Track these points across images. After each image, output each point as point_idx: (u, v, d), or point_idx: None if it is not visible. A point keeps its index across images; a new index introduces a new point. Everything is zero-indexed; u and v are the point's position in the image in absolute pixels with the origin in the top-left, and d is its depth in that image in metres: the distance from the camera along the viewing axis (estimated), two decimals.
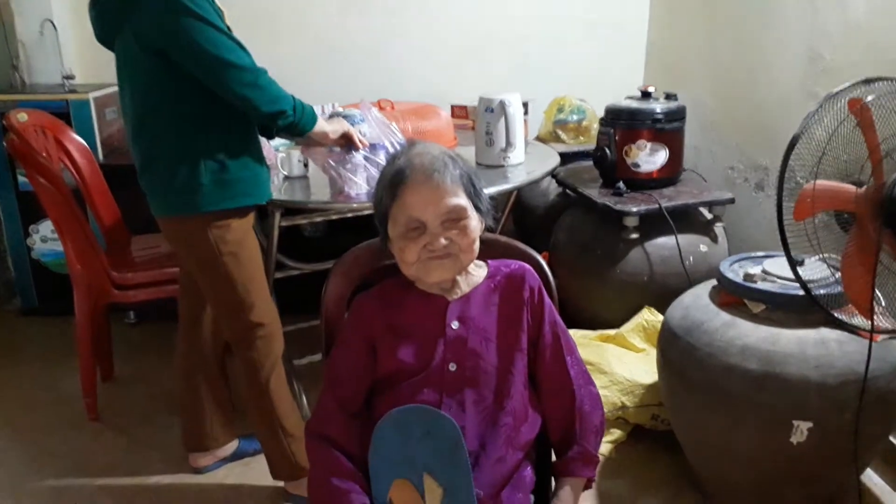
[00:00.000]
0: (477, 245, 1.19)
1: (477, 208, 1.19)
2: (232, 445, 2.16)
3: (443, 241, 1.15)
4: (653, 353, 2.26)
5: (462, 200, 1.16)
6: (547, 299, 1.27)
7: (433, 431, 1.05)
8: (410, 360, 1.18)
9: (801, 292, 1.67)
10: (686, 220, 2.46)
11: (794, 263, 1.42)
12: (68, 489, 2.08)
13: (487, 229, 1.23)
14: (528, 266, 1.29)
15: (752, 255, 1.95)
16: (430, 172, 1.14)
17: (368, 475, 1.12)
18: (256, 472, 2.10)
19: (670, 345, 1.85)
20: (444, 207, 1.14)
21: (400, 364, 1.18)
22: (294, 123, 1.71)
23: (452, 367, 1.18)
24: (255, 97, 1.61)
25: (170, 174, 1.67)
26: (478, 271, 1.27)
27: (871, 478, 1.95)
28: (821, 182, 1.39)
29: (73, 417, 2.43)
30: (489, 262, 1.29)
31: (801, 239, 1.58)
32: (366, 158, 1.99)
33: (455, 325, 1.20)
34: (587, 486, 1.22)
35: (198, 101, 1.64)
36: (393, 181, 1.16)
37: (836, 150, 1.44)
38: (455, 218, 1.15)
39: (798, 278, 1.44)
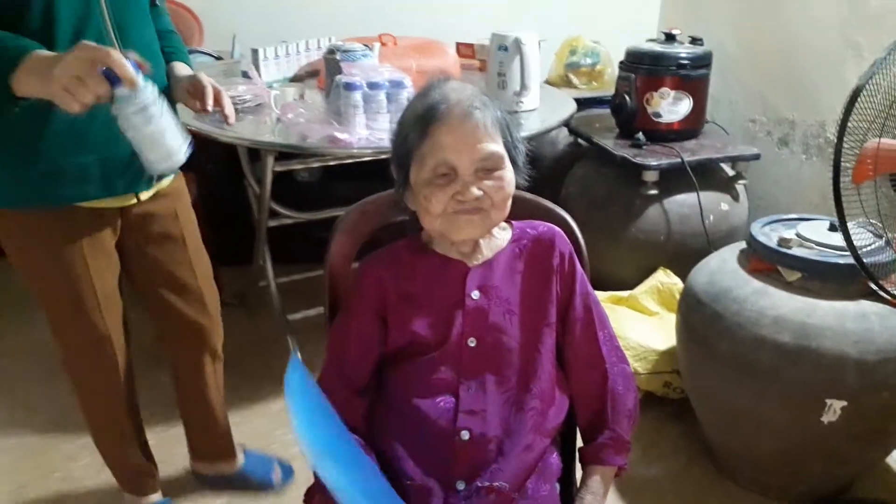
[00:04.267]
0: (509, 203, 1.04)
1: (513, 161, 1.04)
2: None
3: (476, 191, 0.99)
4: (667, 317, 2.15)
5: (500, 148, 1.01)
6: (578, 267, 1.13)
7: None
8: (425, 334, 1.04)
9: (841, 260, 1.54)
10: (707, 176, 2.31)
11: (847, 232, 1.29)
12: (48, 448, 1.96)
13: (519, 187, 1.07)
14: (557, 229, 1.14)
15: (785, 217, 1.81)
16: (470, 110, 0.99)
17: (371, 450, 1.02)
18: None
19: (694, 311, 1.73)
20: (481, 153, 0.99)
21: (413, 338, 1.05)
22: None
23: (472, 342, 1.04)
24: None
25: None
26: (501, 233, 1.12)
27: None
28: (885, 141, 1.24)
29: (52, 367, 2.29)
30: (513, 223, 1.14)
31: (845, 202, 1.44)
32: (364, 99, 1.81)
33: (475, 294, 1.06)
34: (617, 474, 1.10)
35: None
36: (425, 116, 1.00)
37: None
38: (491, 167, 1.00)
39: (851, 246, 1.31)
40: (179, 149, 1.06)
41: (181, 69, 1.41)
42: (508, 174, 1.03)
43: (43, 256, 1.31)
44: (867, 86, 1.28)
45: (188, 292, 1.53)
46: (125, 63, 0.98)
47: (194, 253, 1.52)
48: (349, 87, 1.75)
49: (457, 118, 0.99)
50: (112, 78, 0.97)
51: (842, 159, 1.29)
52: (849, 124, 1.30)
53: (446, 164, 0.99)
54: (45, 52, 1.04)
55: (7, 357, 2.36)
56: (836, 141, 1.27)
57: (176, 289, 1.51)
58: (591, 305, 1.12)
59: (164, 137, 1.04)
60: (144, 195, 1.36)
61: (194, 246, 1.52)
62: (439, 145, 0.99)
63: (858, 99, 1.29)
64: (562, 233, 1.14)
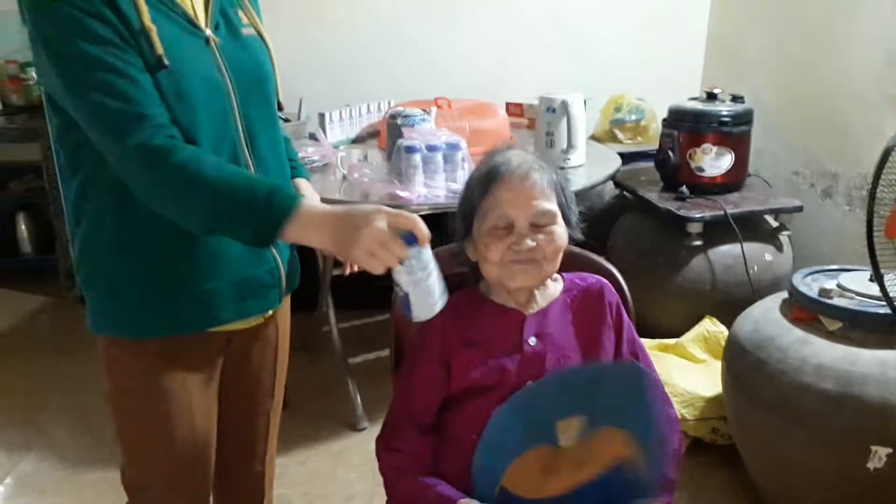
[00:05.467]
0: (560, 256, 1.16)
1: (566, 219, 1.17)
2: None
3: (529, 242, 1.12)
4: (714, 364, 2.20)
5: (554, 207, 1.14)
6: (625, 316, 1.23)
7: (559, 394, 1.08)
8: (486, 377, 1.15)
9: (882, 310, 1.60)
10: (750, 227, 2.39)
11: (882, 281, 1.36)
12: None
13: (573, 243, 1.19)
14: (605, 280, 1.26)
15: (826, 268, 1.88)
16: (528, 172, 1.13)
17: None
18: None
19: (738, 359, 1.80)
20: (536, 209, 1.12)
21: (474, 380, 1.15)
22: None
23: (530, 385, 1.15)
24: (133, 179, 1.02)
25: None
26: (554, 285, 1.24)
27: None
28: None
29: None
30: (564, 275, 1.26)
31: (882, 254, 1.51)
32: (423, 160, 1.96)
33: (532, 341, 1.17)
34: None
35: (84, 155, 1.07)
36: (489, 175, 1.15)
37: None
38: (544, 223, 1.13)
39: (886, 296, 1.38)
40: (443, 294, 1.06)
41: (305, 188, 1.33)
42: (560, 230, 1.15)
43: (148, 391, 1.17)
44: None
45: (249, 434, 1.36)
46: (425, 226, 1.00)
47: (279, 380, 1.38)
48: (410, 149, 1.90)
49: (516, 178, 1.13)
50: (408, 239, 0.99)
51: (876, 214, 1.37)
52: (882, 179, 1.38)
53: (505, 218, 1.13)
54: (316, 205, 1.02)
55: (88, 397, 2.53)
56: (868, 198, 1.36)
57: (239, 419, 1.33)
58: (638, 352, 1.23)
59: (437, 287, 1.05)
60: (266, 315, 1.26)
61: (280, 370, 1.38)
62: (500, 201, 1.13)
63: (890, 158, 1.37)
64: (609, 284, 1.25)
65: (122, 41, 0.98)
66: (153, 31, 1.00)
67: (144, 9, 1.00)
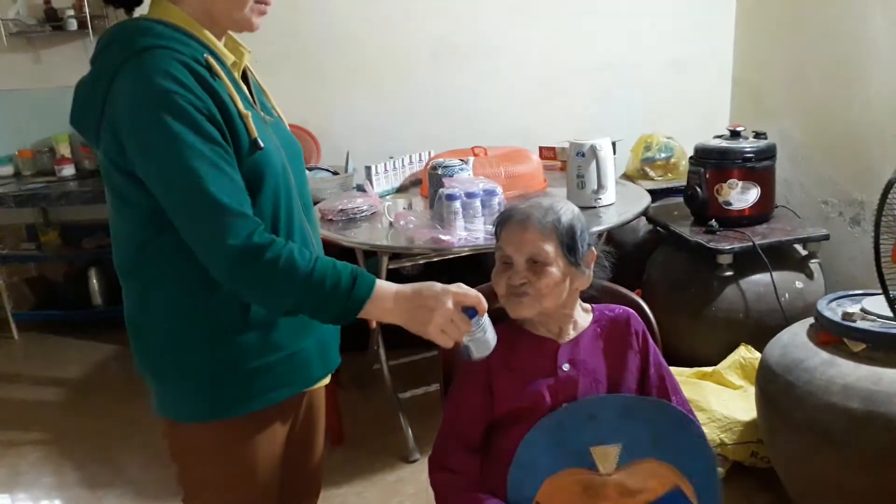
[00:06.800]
0: (560, 291, 1.27)
1: (571, 261, 1.27)
2: None
3: (520, 277, 1.26)
4: (750, 390, 2.28)
5: (549, 247, 1.25)
6: (651, 342, 1.36)
7: (593, 414, 1.24)
8: (524, 401, 1.29)
9: None
10: (780, 256, 2.48)
11: (893, 304, 1.45)
12: None
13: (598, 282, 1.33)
14: (631, 311, 1.39)
15: (851, 293, 1.97)
16: (527, 216, 1.27)
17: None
18: None
19: (769, 382, 1.89)
20: (529, 249, 1.26)
21: (514, 404, 1.29)
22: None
23: (554, 411, 1.27)
24: (229, 275, 1.05)
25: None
26: (584, 316, 1.37)
27: None
28: None
29: None
30: (594, 306, 1.39)
31: (890, 278, 1.60)
32: (463, 206, 2.13)
33: (566, 367, 1.30)
34: None
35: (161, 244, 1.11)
36: (499, 220, 1.32)
37: None
38: (538, 262, 1.26)
39: None
40: (494, 336, 1.18)
41: None
42: (553, 268, 1.26)
43: (230, 464, 1.20)
44: None
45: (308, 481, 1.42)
46: (485, 301, 1.13)
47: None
48: (450, 197, 2.08)
49: (516, 222, 1.28)
50: (470, 312, 1.12)
51: (883, 240, 1.48)
52: (886, 208, 1.49)
53: (505, 255, 1.29)
54: (389, 286, 1.10)
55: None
56: (874, 227, 1.46)
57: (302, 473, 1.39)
58: (665, 375, 1.35)
59: (491, 335, 1.17)
60: None
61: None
62: (503, 241, 1.29)
63: (893, 190, 1.48)
64: (635, 313, 1.38)
65: (223, 139, 1.05)
66: (249, 116, 1.08)
67: (237, 97, 1.08)
